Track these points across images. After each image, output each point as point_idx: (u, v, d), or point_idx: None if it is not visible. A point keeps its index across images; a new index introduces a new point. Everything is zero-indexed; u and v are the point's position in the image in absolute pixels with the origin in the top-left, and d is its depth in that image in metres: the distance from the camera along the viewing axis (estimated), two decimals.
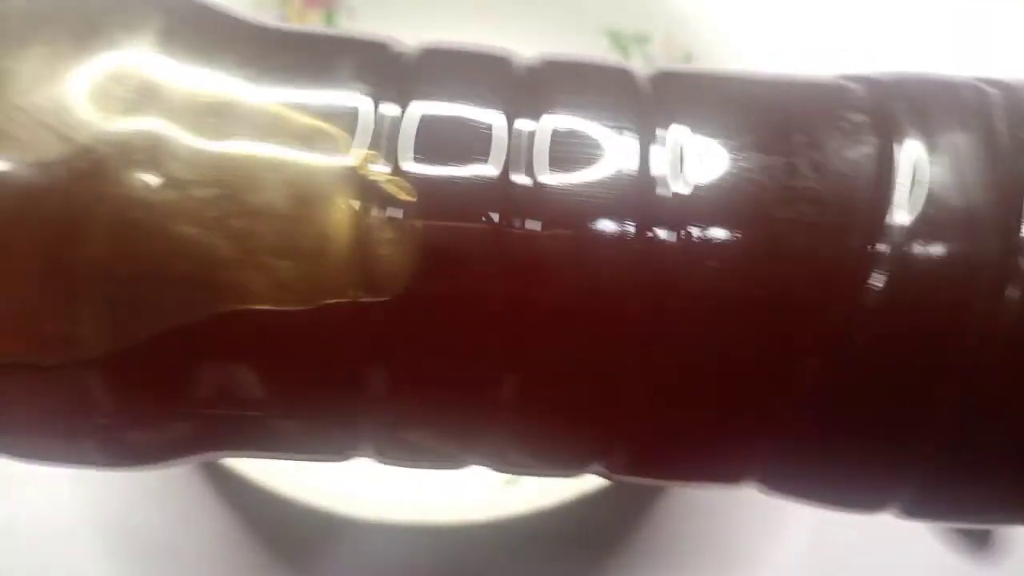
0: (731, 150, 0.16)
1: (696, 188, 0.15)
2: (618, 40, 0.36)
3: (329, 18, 0.36)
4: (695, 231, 0.15)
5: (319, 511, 0.29)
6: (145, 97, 0.15)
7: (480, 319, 0.15)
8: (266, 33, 0.17)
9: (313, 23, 0.36)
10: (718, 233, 0.15)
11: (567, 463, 0.17)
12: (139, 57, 0.15)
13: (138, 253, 0.14)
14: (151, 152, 0.14)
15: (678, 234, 0.15)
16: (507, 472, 0.18)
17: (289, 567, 0.32)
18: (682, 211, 0.15)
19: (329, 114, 0.15)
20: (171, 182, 0.14)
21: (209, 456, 0.17)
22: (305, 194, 0.15)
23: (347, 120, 0.15)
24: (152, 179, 0.14)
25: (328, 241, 0.14)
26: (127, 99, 0.15)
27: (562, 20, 0.36)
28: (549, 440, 0.17)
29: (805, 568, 0.32)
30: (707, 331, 0.15)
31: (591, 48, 0.36)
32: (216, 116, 0.15)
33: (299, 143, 0.15)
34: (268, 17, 0.37)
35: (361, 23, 0.36)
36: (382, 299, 0.15)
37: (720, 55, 0.34)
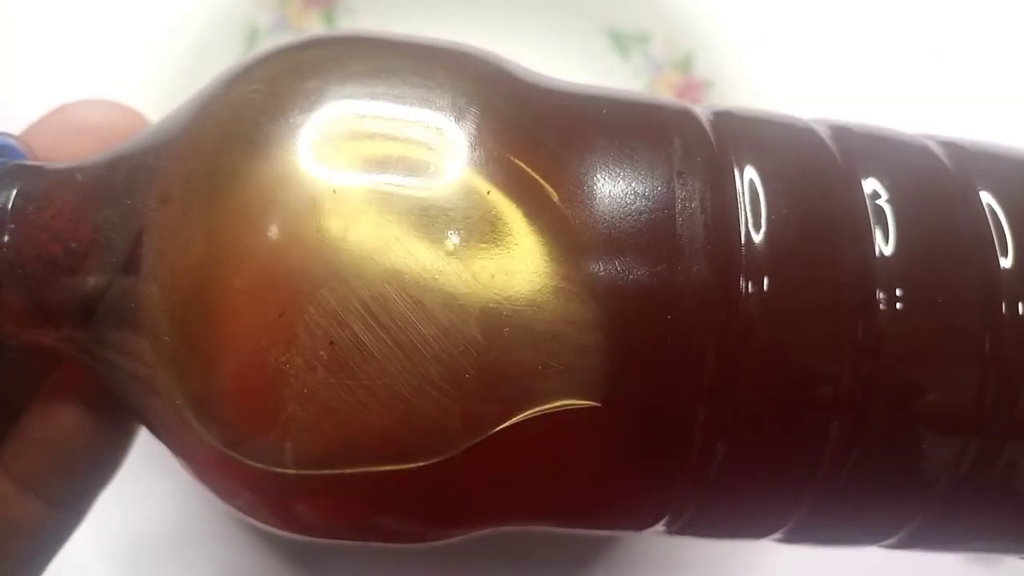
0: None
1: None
2: (618, 40, 0.36)
3: (329, 18, 0.36)
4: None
5: None
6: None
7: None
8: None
9: (313, 23, 0.36)
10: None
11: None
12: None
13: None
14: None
15: None
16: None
17: (289, 568, 0.32)
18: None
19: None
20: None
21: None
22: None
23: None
24: None
25: None
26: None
27: (562, 20, 0.36)
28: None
29: (805, 568, 0.32)
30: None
31: (591, 48, 0.36)
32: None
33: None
34: (267, 17, 0.37)
35: (361, 23, 0.36)
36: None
37: (720, 55, 0.34)
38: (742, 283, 0.16)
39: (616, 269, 0.15)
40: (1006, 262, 0.16)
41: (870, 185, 0.17)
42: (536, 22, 0.36)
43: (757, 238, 0.16)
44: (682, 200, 0.16)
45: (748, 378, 0.16)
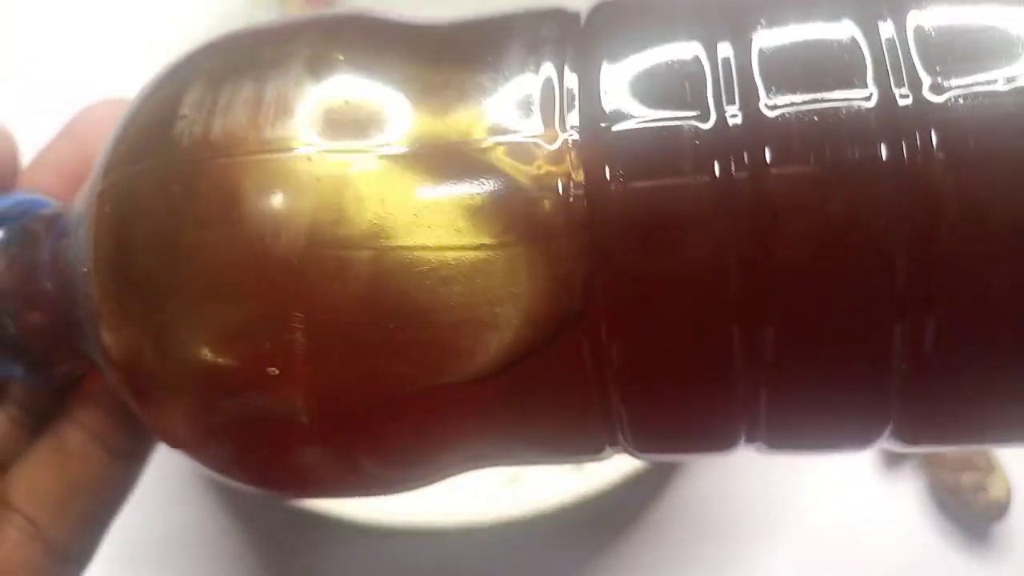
0: None
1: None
2: None
3: None
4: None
5: (319, 514, 0.29)
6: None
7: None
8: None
9: None
10: None
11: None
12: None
13: None
14: None
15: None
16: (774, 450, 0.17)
17: (289, 570, 0.32)
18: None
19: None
20: None
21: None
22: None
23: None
24: None
25: None
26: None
27: None
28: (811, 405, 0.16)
29: (805, 568, 0.32)
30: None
31: None
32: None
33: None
34: (267, 16, 0.37)
35: None
36: None
37: None
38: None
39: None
40: (906, 100, 0.14)
41: (760, 37, 0.15)
42: None
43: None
44: None
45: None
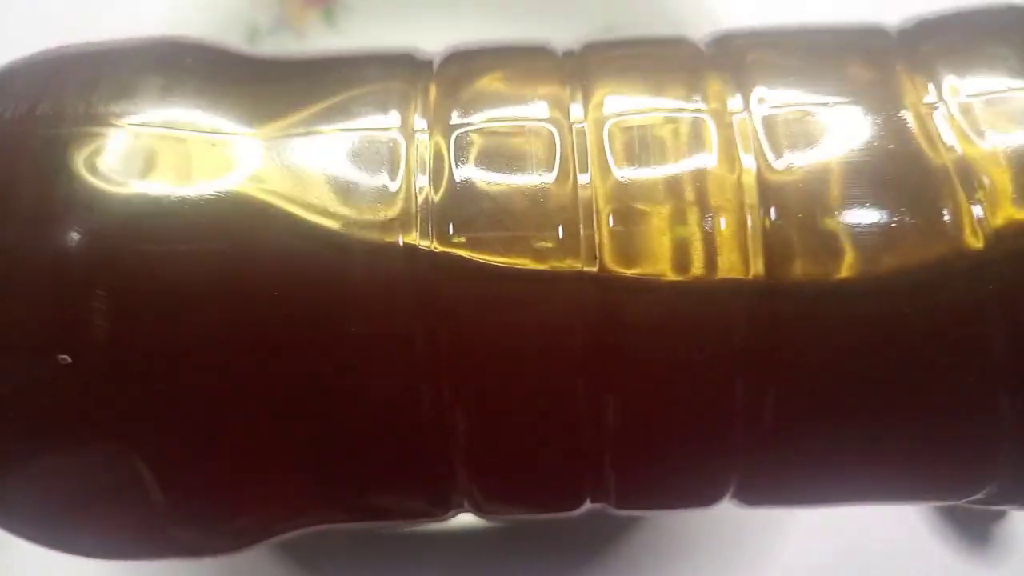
0: None
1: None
2: None
3: (328, 17, 0.36)
4: None
5: None
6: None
7: None
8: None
9: (312, 22, 0.36)
10: None
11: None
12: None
13: None
14: None
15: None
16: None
17: (289, 571, 0.32)
18: None
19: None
20: None
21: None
22: None
23: None
24: None
25: None
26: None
27: (562, 20, 0.36)
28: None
29: (805, 569, 0.32)
30: None
31: None
32: None
33: None
34: (267, 16, 0.37)
35: (360, 22, 0.36)
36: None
37: None
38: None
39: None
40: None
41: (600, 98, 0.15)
42: (534, 22, 0.36)
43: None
44: None
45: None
